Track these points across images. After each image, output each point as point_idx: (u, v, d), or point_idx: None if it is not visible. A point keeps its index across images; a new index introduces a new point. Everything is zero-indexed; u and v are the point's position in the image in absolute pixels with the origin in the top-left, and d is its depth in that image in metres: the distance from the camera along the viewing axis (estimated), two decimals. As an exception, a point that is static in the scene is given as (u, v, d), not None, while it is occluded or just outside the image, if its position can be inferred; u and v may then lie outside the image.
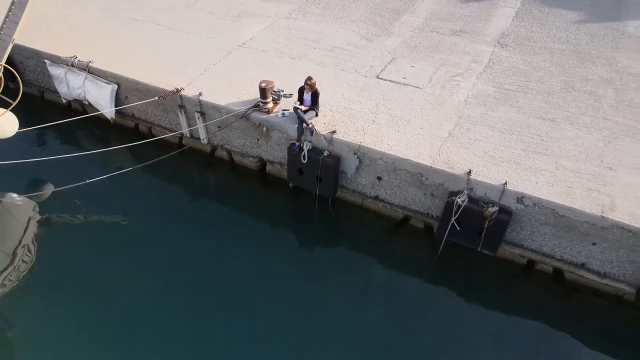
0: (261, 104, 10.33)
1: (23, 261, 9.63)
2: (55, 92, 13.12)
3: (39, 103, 13.86)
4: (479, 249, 9.08)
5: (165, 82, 11.40)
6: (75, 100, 12.88)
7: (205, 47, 12.74)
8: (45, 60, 12.45)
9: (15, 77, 10.20)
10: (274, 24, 13.94)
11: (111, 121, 12.46)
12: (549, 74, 11.56)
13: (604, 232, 8.06)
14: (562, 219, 8.30)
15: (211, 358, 8.05)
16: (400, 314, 8.69)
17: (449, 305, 8.97)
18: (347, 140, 9.59)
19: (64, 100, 13.11)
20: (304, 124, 9.71)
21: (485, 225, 8.69)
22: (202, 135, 11.38)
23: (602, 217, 7.94)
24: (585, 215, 8.05)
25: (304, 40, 13.06)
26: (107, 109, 12.16)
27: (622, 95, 10.76)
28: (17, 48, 12.68)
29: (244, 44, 12.93)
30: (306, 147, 9.81)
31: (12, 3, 10.56)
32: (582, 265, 8.74)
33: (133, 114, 12.49)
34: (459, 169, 8.89)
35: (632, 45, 12.65)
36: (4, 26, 10.50)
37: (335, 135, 9.65)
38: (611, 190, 8.38)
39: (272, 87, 10.28)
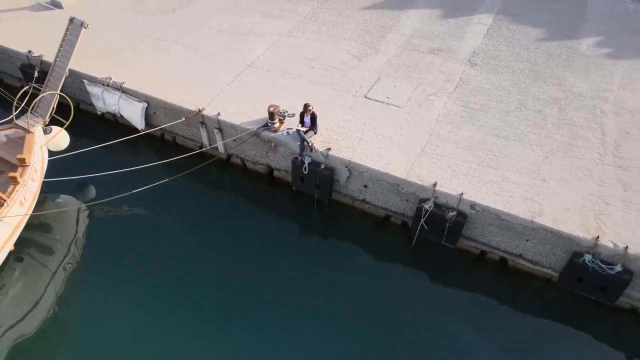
0: (270, 124, 12.67)
1: (75, 255, 12.14)
2: (90, 104, 15.33)
3: (75, 113, 16.02)
4: (442, 243, 11.63)
5: (187, 101, 13.67)
6: (108, 112, 15.14)
7: (219, 67, 14.92)
8: (84, 80, 14.63)
9: (68, 103, 12.48)
10: (276, 42, 16.07)
11: (141, 131, 14.74)
12: (508, 93, 13.88)
13: (533, 232, 10.62)
14: (503, 222, 10.84)
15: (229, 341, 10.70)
16: (382, 292, 11.31)
17: (420, 285, 11.57)
18: (339, 156, 11.99)
19: (99, 112, 15.35)
20: (305, 142, 12.10)
21: (447, 225, 11.21)
22: (220, 146, 13.74)
23: (532, 221, 10.48)
24: (520, 219, 10.59)
25: (303, 60, 15.24)
26: (139, 123, 14.45)
27: (564, 114, 13.14)
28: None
29: (252, 63, 15.12)
30: (307, 160, 12.23)
31: (63, 40, 12.77)
32: (520, 255, 11.35)
33: (160, 125, 14.77)
34: (427, 181, 11.34)
35: (581, 65, 14.91)
36: (58, 60, 12.73)
37: (330, 152, 12.05)
38: (542, 199, 10.88)
39: (279, 110, 12.59)
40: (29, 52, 15.35)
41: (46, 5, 17.54)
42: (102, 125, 15.45)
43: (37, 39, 16.05)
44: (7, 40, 16.12)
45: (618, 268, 9.95)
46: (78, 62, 14.83)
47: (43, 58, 15.03)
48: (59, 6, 17.40)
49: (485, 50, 15.60)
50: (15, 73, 16.38)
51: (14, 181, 10.95)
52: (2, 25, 16.78)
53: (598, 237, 10.05)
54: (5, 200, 10.58)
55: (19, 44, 15.82)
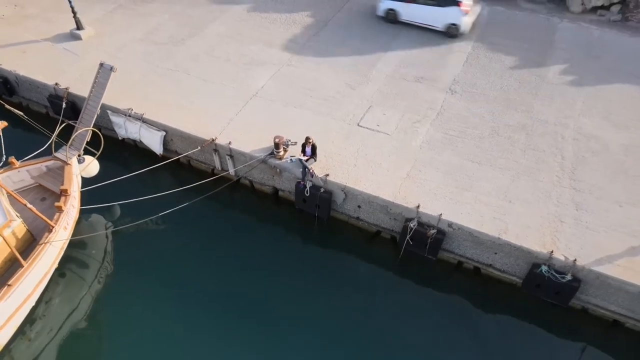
0: (275, 152, 14.57)
1: (107, 269, 14.07)
2: (111, 129, 17.09)
3: (98, 137, 17.82)
4: (425, 255, 13.66)
5: (200, 129, 15.51)
6: (129, 138, 16.94)
7: (228, 97, 16.73)
8: (108, 111, 16.39)
9: (99, 137, 14.28)
10: (278, 72, 17.88)
11: (159, 156, 16.57)
12: (483, 120, 15.84)
13: (500, 246, 12.67)
14: (475, 238, 12.88)
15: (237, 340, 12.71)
16: (374, 296, 13.37)
17: (406, 290, 13.62)
18: (336, 181, 13.94)
19: (120, 137, 17.13)
20: (306, 169, 14.03)
21: (429, 240, 13.23)
22: (231, 170, 15.62)
23: (499, 237, 12.52)
24: (488, 237, 12.63)
25: (302, 89, 17.09)
26: (157, 148, 16.27)
27: (530, 139, 15.14)
28: (83, 100, 16.65)
29: (257, 93, 16.94)
30: (308, 185, 14.17)
31: (95, 83, 14.56)
32: (490, 265, 13.42)
33: (176, 151, 16.60)
34: (411, 203, 13.33)
35: (547, 92, 16.88)
36: (90, 100, 14.53)
37: (328, 178, 13.99)
38: (507, 218, 12.92)
39: (283, 141, 14.48)
40: (56, 84, 17.07)
41: (71, 33, 19.22)
42: (123, 149, 17.24)
43: (59, 70, 17.77)
44: (32, 70, 17.81)
45: (569, 277, 12.05)
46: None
47: (69, 90, 16.78)
48: (79, 38, 19.05)
49: (464, 79, 17.50)
50: (42, 101, 18.11)
51: (59, 210, 12.80)
52: (26, 57, 18.44)
53: (552, 251, 12.13)
54: (53, 227, 12.45)
55: (45, 75, 17.53)
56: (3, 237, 11.32)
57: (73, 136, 14.09)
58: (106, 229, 14.96)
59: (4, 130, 12.24)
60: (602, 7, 20.34)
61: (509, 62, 18.24)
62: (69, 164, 13.91)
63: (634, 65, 17.83)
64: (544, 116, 15.95)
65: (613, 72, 17.54)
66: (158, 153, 16.49)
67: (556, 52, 18.66)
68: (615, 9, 20.19)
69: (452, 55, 18.71)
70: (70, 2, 18.26)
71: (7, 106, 14.84)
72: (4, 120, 12.38)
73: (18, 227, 12.23)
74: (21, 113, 14.47)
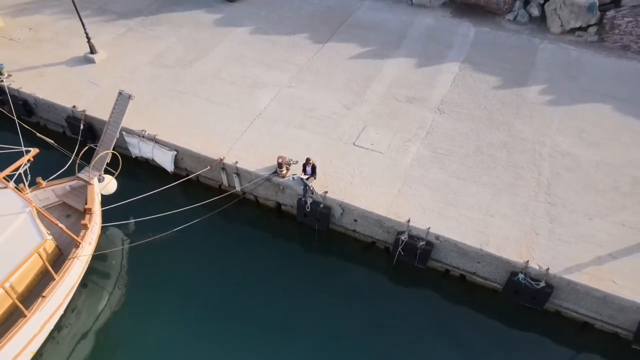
0: (278, 171, 15.96)
1: (124, 279, 15.46)
2: (125, 148, 18.42)
3: (115, 157, 19.12)
4: (416, 264, 15.09)
5: (209, 149, 16.88)
6: (142, 156, 18.29)
7: (234, 118, 18.10)
8: (123, 132, 17.72)
9: (117, 158, 15.62)
10: (279, 93, 19.26)
11: (170, 173, 17.92)
12: (468, 139, 17.28)
13: (482, 257, 14.13)
14: (460, 249, 14.32)
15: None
16: (369, 301, 14.79)
17: (398, 296, 15.06)
18: (334, 197, 15.35)
19: (133, 156, 18.47)
20: (307, 187, 15.44)
21: (418, 251, 14.67)
22: (237, 186, 17.00)
23: (481, 249, 13.98)
24: (472, 248, 14.08)
25: (302, 110, 18.48)
26: (169, 166, 17.64)
27: (510, 157, 16.60)
28: (99, 122, 18.02)
29: (260, 114, 18.33)
30: (309, 201, 15.58)
31: (114, 109, 15.92)
32: (474, 273, 14.88)
33: (186, 168, 17.96)
34: (403, 217, 14.75)
35: (527, 111, 18.34)
36: (109, 125, 15.89)
37: (327, 194, 15.40)
38: (489, 231, 14.37)
39: (285, 161, 15.87)
40: (74, 107, 18.40)
41: (85, 56, 20.55)
42: (136, 167, 18.57)
43: (75, 93, 19.08)
44: (49, 93, 19.13)
45: (542, 284, 13.51)
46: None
47: (86, 113, 18.12)
48: (92, 61, 20.37)
49: (452, 99, 18.93)
50: (59, 121, 19.46)
51: (85, 227, 14.16)
52: (44, 80, 19.75)
53: (528, 261, 13.60)
54: (80, 243, 13.82)
55: (62, 98, 18.85)
56: (39, 255, 12.65)
57: (95, 159, 15.44)
58: (124, 244, 16.33)
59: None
60: (580, 29, 21.81)
61: (493, 82, 19.68)
62: (91, 184, 15.26)
63: (608, 85, 19.31)
64: (524, 134, 17.40)
65: (588, 92, 19.02)
66: (169, 170, 17.84)
67: (536, 73, 20.11)
68: (592, 30, 21.67)
69: (440, 75, 20.13)
70: (84, 29, 19.57)
71: (38, 133, 16.24)
72: (22, 138, 13.77)
73: (49, 243, 13.58)
74: (52, 141, 15.89)
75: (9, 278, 12.01)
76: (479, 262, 14.45)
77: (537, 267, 13.52)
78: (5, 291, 12.05)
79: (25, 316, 12.47)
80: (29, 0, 24.25)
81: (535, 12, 22.59)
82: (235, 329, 14.24)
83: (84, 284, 15.08)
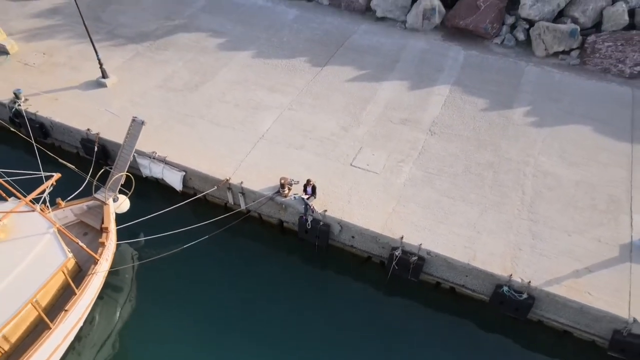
0: (281, 191, 17.16)
1: (136, 292, 16.60)
2: (136, 168, 19.57)
3: (128, 178, 20.23)
4: (409, 277, 16.28)
5: (216, 170, 18.08)
6: (152, 176, 19.47)
7: (238, 139, 19.31)
8: (135, 154, 18.90)
9: (131, 180, 16.80)
10: (280, 115, 20.50)
11: (179, 192, 19.10)
12: (457, 159, 18.52)
13: (470, 271, 15.33)
14: (450, 263, 15.53)
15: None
16: (365, 311, 15.99)
17: (393, 307, 16.25)
18: (333, 216, 16.56)
19: (144, 175, 19.64)
20: (308, 206, 16.64)
21: (411, 266, 15.87)
22: (242, 205, 18.19)
23: (468, 264, 15.19)
24: (460, 263, 15.28)
25: (302, 132, 19.71)
26: (178, 186, 18.83)
27: (497, 176, 17.85)
28: (112, 144, 19.22)
29: (263, 136, 19.55)
30: (309, 219, 16.79)
31: (128, 134, 17.12)
32: (463, 285, 16.08)
33: (194, 187, 19.14)
34: (396, 234, 15.96)
35: (513, 132, 19.62)
36: (123, 149, 17.09)
37: (326, 213, 16.61)
38: (476, 247, 15.58)
39: (287, 181, 17.07)
40: (88, 129, 19.59)
41: (97, 81, 21.78)
42: (147, 185, 19.69)
43: (89, 117, 20.23)
44: (65, 117, 20.30)
45: (525, 295, 14.72)
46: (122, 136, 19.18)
47: (100, 135, 19.32)
48: (104, 86, 21.59)
49: (442, 120, 20.20)
50: (73, 143, 20.64)
51: (102, 245, 15.32)
52: (59, 104, 20.94)
53: (511, 274, 14.81)
54: (98, 260, 14.97)
55: (77, 121, 20.02)
56: (63, 272, 13.80)
57: (110, 180, 16.62)
58: (136, 260, 17.47)
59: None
60: (563, 52, 23.17)
61: (481, 104, 20.96)
62: (107, 204, 16.42)
63: (588, 107, 20.63)
64: (509, 155, 18.66)
65: (570, 113, 20.34)
66: (178, 190, 19.02)
67: (522, 95, 21.40)
68: (574, 53, 23.03)
69: (432, 97, 21.41)
70: (97, 56, 20.79)
71: (60, 159, 17.53)
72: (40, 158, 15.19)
73: (70, 260, 14.72)
74: (73, 167, 17.11)
75: (37, 294, 13.14)
76: (467, 276, 15.65)
77: (519, 280, 14.72)
78: (34, 306, 13.17)
79: (50, 328, 13.60)
80: (42, 25, 25.45)
81: (521, 36, 23.96)
82: (239, 337, 15.42)
83: (100, 297, 16.17)
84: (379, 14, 26.01)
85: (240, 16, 26.60)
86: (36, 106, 20.68)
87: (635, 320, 13.78)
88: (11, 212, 13.76)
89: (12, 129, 20.57)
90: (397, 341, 15.30)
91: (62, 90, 21.58)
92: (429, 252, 15.63)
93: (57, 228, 14.22)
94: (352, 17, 26.48)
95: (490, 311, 15.68)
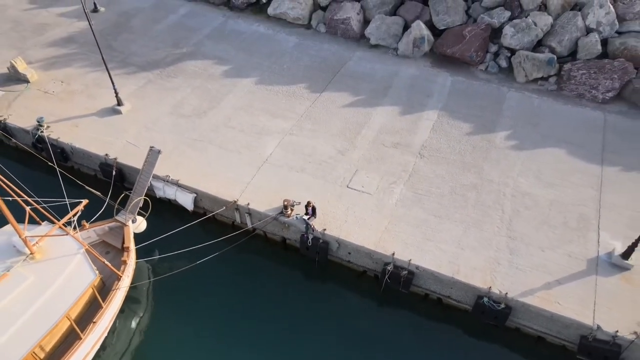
0: (284, 212, 18.98)
1: (153, 306, 18.34)
2: (151, 190, 21.30)
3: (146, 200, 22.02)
4: (400, 289, 18.08)
5: (224, 192, 19.88)
6: (165, 197, 21.24)
7: (244, 163, 21.11)
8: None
9: (148, 203, 18.58)
10: (282, 140, 22.33)
11: (190, 212, 20.86)
12: (444, 181, 20.38)
13: (454, 283, 17.16)
14: (436, 277, 17.34)
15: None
16: (361, 321, 17.77)
17: (385, 317, 18.04)
18: (331, 234, 18.37)
19: (157, 196, 21.41)
20: (308, 225, 18.46)
21: (402, 279, 17.68)
22: (249, 224, 19.99)
23: (453, 277, 17.01)
24: (445, 276, 17.10)
25: (302, 155, 21.54)
26: (189, 206, 20.60)
27: (479, 196, 19.70)
28: (129, 168, 21.01)
29: (267, 159, 21.37)
30: (310, 237, 18.60)
31: (145, 162, 18.91)
32: (449, 296, 17.89)
33: (204, 207, 20.91)
34: (388, 251, 17.77)
35: (495, 155, 21.50)
36: (142, 175, 18.88)
37: (325, 232, 18.42)
38: (460, 262, 17.41)
39: (290, 203, 18.89)
40: (106, 154, 21.38)
41: (113, 108, 23.57)
42: (160, 205, 21.39)
43: (107, 142, 22.02)
44: (84, 142, 22.07)
45: (503, 305, 16.54)
46: (139, 160, 20.96)
47: (117, 160, 21.11)
48: (119, 112, 23.39)
49: (431, 144, 22.07)
50: (92, 166, 22.41)
51: (124, 263, 17.08)
52: (78, 130, 22.72)
53: (490, 287, 16.64)
54: (121, 276, 16.72)
55: (96, 146, 21.80)
56: (92, 288, 15.54)
57: (130, 204, 18.41)
58: (152, 276, 19.20)
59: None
60: (542, 79, 25.12)
61: (466, 128, 22.85)
62: (127, 225, 18.19)
63: (564, 130, 22.56)
64: (491, 176, 20.52)
65: (547, 137, 22.25)
66: (189, 210, 20.80)
67: (503, 120, 23.30)
68: (552, 79, 24.99)
69: (421, 122, 23.29)
70: (113, 85, 22.60)
71: (87, 186, 19.20)
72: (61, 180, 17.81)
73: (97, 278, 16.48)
74: (99, 193, 18.70)
75: (70, 309, 14.87)
76: (451, 288, 17.47)
77: (498, 292, 16.56)
78: (68, 319, 14.90)
79: (81, 338, 15.33)
80: (58, 53, 27.25)
81: (503, 63, 25.94)
82: (244, 342, 17.20)
83: (121, 310, 17.91)
84: (372, 41, 27.95)
85: (242, 43, 28.47)
86: (57, 132, 22.44)
87: (599, 327, 15.62)
88: (47, 235, 15.52)
89: (34, 153, 22.32)
90: (390, 348, 17.09)
91: (81, 117, 23.35)
92: (417, 267, 17.45)
93: (86, 249, 15.97)
94: (347, 44, 28.40)
95: (472, 319, 17.48)
